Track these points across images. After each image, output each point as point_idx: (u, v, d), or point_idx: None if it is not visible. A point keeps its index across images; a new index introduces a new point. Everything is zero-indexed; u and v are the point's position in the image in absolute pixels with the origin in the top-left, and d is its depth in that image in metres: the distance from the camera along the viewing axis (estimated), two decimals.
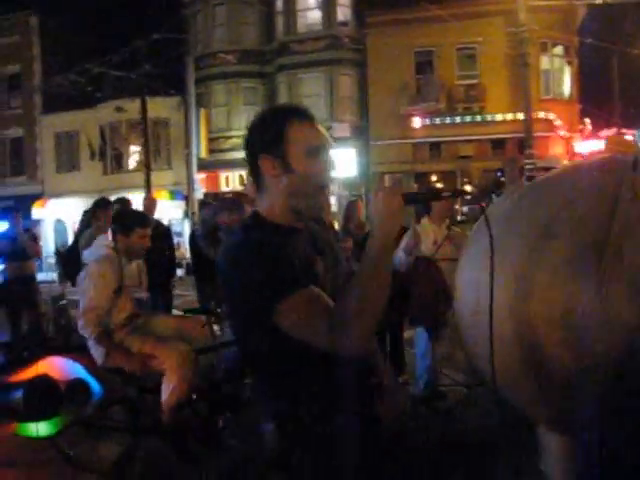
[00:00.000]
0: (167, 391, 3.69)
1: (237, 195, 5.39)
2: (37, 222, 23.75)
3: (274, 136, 1.65)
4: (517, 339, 2.02)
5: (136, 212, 4.88)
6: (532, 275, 2.04)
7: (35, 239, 7.27)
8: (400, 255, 4.60)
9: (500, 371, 2.02)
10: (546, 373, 2.00)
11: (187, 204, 21.13)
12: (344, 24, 23.02)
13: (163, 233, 6.89)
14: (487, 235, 1.59)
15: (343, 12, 23.02)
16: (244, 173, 23.27)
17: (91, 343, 3.81)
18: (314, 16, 23.18)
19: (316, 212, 1.74)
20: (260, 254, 1.57)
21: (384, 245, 1.51)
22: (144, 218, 4.40)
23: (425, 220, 5.28)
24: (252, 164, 1.70)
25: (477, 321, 2.14)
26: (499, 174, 21.47)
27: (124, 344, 3.82)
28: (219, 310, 4.27)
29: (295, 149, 1.65)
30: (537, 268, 2.03)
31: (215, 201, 7.84)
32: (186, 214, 21.79)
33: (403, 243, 4.64)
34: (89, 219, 5.90)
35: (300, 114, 1.69)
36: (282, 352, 1.60)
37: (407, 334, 5.95)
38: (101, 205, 6.08)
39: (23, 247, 6.67)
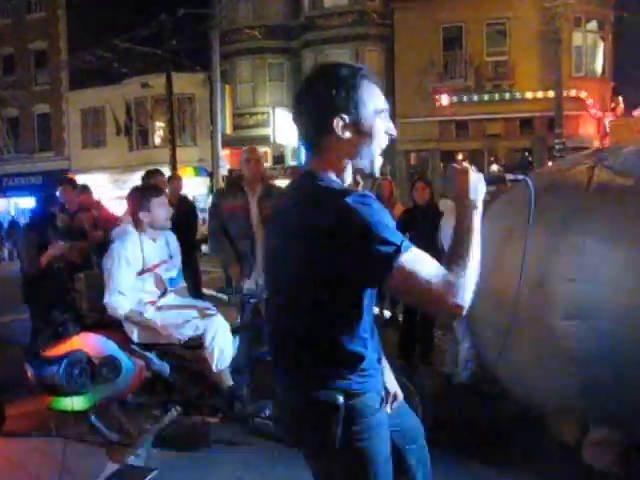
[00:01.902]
0: (212, 358, 3.74)
1: (238, 179, 5.34)
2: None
3: (349, 97, 1.61)
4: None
5: (145, 185, 4.90)
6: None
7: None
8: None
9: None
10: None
11: (212, 180, 21.16)
12: None
13: (188, 209, 6.93)
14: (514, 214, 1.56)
15: None
16: (269, 149, 23.27)
17: (125, 320, 3.83)
18: None
19: (373, 170, 1.72)
20: (369, 205, 1.50)
21: (477, 211, 1.62)
22: (156, 187, 4.44)
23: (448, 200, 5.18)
24: (318, 122, 1.64)
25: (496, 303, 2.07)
26: (526, 154, 21.20)
27: (155, 320, 3.83)
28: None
29: (367, 111, 1.63)
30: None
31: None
32: (211, 190, 21.83)
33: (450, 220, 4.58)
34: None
35: (370, 75, 1.68)
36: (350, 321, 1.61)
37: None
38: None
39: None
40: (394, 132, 1.71)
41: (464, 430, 4.15)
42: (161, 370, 3.86)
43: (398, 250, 1.47)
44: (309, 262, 1.55)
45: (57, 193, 6.21)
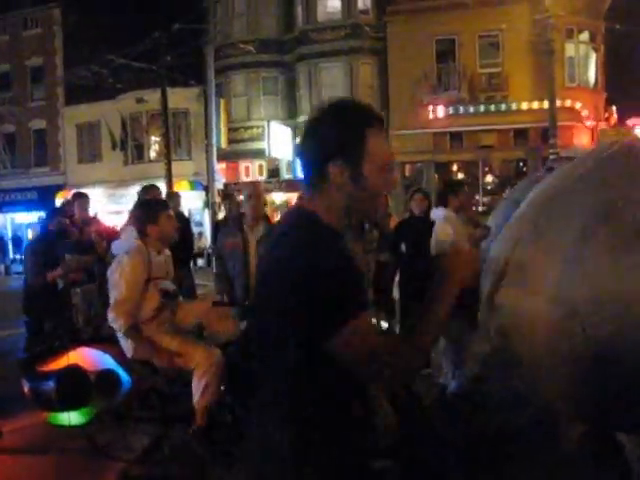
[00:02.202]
0: (198, 392, 3.70)
1: (239, 216, 5.27)
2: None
3: (353, 144, 1.50)
4: (563, 325, 1.94)
5: (153, 199, 4.94)
6: (585, 258, 1.95)
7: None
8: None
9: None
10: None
11: (207, 194, 21.18)
12: (364, 12, 22.85)
13: (183, 225, 6.97)
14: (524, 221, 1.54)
15: (363, 0, 22.85)
16: (264, 163, 23.33)
17: (120, 335, 3.82)
18: (334, 4, 23.04)
19: (372, 217, 1.69)
20: (338, 265, 1.43)
21: (450, 302, 1.52)
22: (163, 201, 4.48)
23: (446, 210, 5.22)
24: (315, 165, 1.54)
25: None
26: (521, 164, 21.28)
27: (153, 338, 3.82)
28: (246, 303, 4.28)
29: (371, 163, 1.51)
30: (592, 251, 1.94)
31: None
32: (206, 204, 21.86)
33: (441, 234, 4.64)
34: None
35: (378, 121, 1.56)
36: (315, 374, 1.49)
37: None
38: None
39: None
40: (394, 187, 1.66)
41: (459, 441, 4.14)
42: (158, 383, 3.85)
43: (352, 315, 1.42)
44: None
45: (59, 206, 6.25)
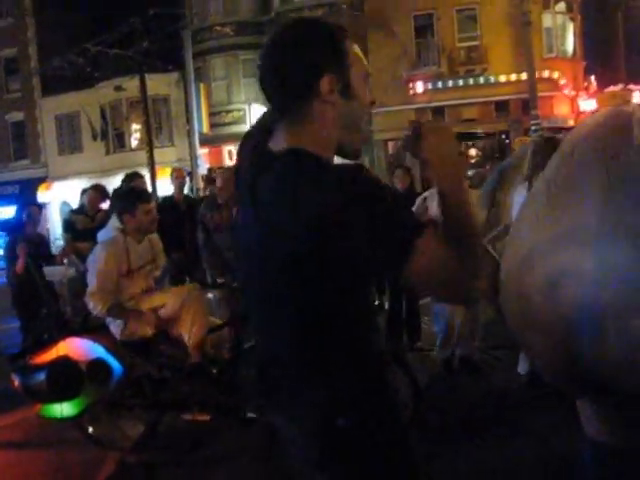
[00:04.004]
0: (188, 333, 3.83)
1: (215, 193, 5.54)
2: (44, 205, 23.82)
3: (339, 53, 1.42)
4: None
5: (134, 189, 4.93)
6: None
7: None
8: None
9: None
10: None
11: (191, 180, 21.05)
12: None
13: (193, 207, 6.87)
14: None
15: None
16: None
17: (108, 320, 3.88)
18: None
19: (360, 145, 1.53)
20: (379, 186, 1.31)
21: (464, 186, 1.47)
22: (144, 192, 4.48)
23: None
24: (301, 84, 1.40)
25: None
26: (503, 136, 21.33)
27: (136, 307, 3.91)
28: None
29: (356, 72, 1.45)
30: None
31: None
32: (191, 190, 21.73)
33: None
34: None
35: (347, 32, 1.48)
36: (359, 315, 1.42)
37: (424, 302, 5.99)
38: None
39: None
40: (375, 100, 1.55)
41: (456, 413, 4.24)
42: (150, 369, 3.88)
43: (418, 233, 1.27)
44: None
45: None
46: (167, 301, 3.97)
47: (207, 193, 8.71)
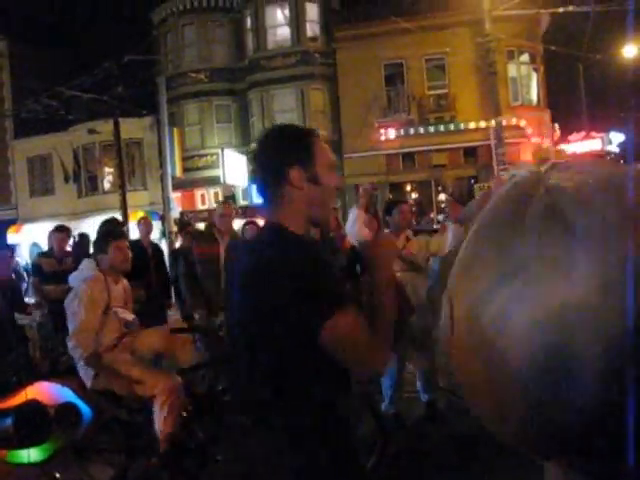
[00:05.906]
0: (160, 420, 3.73)
1: (211, 227, 5.97)
2: (13, 247, 23.48)
3: (305, 149, 1.76)
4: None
5: (107, 229, 4.99)
6: None
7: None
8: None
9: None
10: None
11: (163, 224, 21.01)
12: (313, 39, 23.23)
13: (157, 254, 6.93)
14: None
15: (312, 28, 23.25)
16: (219, 190, 23.29)
17: (80, 365, 3.83)
18: (283, 32, 23.36)
19: (328, 221, 1.93)
20: (315, 267, 1.63)
21: (390, 281, 1.77)
22: (115, 230, 4.54)
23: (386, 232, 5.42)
24: (276, 175, 1.75)
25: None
26: (472, 181, 21.83)
27: (113, 366, 3.85)
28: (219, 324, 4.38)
29: (321, 163, 1.78)
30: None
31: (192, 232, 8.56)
32: (163, 234, 21.66)
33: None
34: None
35: (317, 133, 1.87)
36: (314, 370, 1.63)
37: None
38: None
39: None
40: (342, 185, 1.87)
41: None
42: (119, 413, 3.86)
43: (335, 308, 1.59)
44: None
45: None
46: (148, 380, 3.85)
47: (179, 239, 8.88)
